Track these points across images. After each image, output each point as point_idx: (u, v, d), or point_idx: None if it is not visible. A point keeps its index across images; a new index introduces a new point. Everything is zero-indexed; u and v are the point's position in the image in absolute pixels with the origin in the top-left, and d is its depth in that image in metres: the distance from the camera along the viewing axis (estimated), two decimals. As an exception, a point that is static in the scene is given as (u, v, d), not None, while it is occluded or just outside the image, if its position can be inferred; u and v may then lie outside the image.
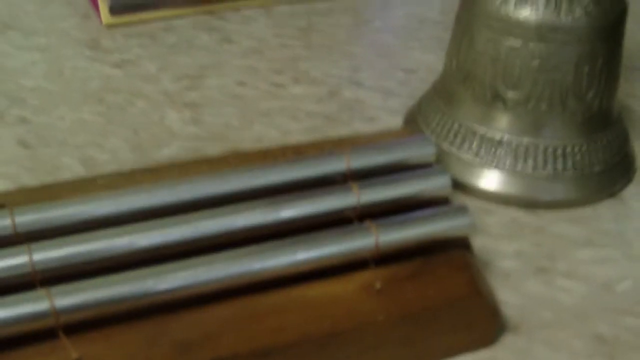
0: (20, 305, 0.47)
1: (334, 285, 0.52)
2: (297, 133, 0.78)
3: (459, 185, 0.67)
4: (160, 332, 0.48)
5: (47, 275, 0.49)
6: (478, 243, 0.60)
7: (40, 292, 0.47)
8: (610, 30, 0.65)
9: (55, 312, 0.47)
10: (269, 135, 0.77)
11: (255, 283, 0.51)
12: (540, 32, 0.64)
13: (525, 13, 0.64)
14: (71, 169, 0.72)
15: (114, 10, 0.98)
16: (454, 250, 0.55)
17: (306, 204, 0.54)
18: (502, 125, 0.68)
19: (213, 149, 0.75)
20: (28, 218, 0.52)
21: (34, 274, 0.49)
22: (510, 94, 0.66)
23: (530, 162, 0.67)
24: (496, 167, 0.68)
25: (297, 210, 0.54)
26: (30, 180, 0.70)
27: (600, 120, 0.68)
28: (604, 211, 0.68)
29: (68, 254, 0.50)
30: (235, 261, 0.50)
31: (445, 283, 0.53)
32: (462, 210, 0.55)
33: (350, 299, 0.51)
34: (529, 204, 0.67)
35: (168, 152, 0.75)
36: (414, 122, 0.75)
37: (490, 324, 0.54)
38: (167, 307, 0.49)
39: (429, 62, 0.92)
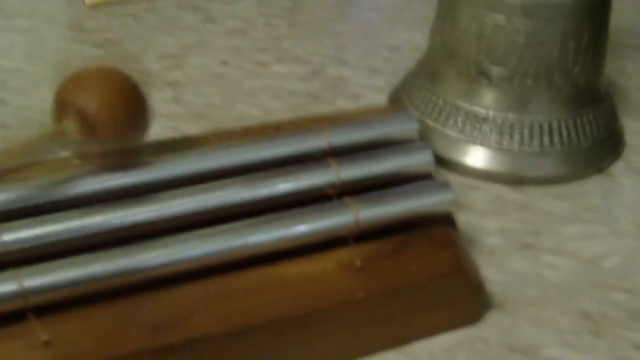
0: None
1: (313, 263, 0.51)
2: (280, 112, 0.76)
3: (444, 162, 0.66)
4: (133, 313, 0.47)
5: (16, 255, 0.48)
6: (463, 220, 0.59)
7: (9, 272, 0.46)
8: (596, 7, 0.64)
9: (24, 293, 0.45)
10: (251, 114, 0.76)
11: (232, 262, 0.49)
12: (526, 7, 0.63)
13: (510, -12, 0.63)
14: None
15: (96, -10, 0.96)
16: (437, 226, 0.54)
17: (284, 181, 0.53)
18: (487, 101, 0.66)
19: (193, 128, 0.74)
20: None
21: (4, 255, 0.48)
22: (495, 70, 0.65)
23: (516, 138, 0.66)
24: (481, 143, 0.67)
25: (275, 187, 0.53)
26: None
27: (587, 96, 0.67)
28: (591, 187, 0.67)
29: (38, 233, 0.49)
30: (210, 239, 0.49)
31: (427, 260, 0.52)
32: (444, 185, 0.54)
33: (329, 277, 0.50)
34: (515, 181, 0.66)
35: (149, 131, 0.73)
36: (398, 100, 0.74)
37: (473, 301, 0.53)
38: (140, 287, 0.48)
39: (414, 40, 0.91)
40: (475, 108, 0.67)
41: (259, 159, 0.55)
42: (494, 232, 0.62)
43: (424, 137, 0.65)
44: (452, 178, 0.66)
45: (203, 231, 0.49)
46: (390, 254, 0.52)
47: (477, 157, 0.67)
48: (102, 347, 0.46)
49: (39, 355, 0.45)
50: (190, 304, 0.48)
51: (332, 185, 0.54)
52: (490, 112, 0.66)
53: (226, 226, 0.50)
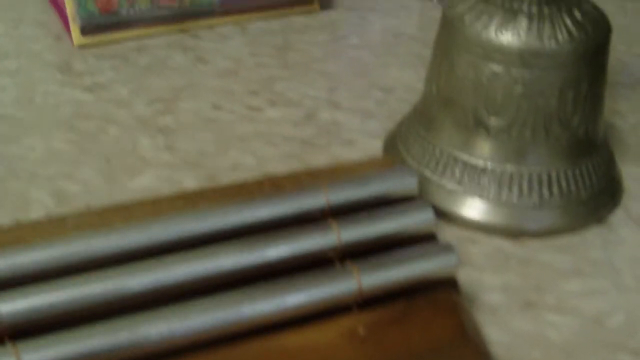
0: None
1: (315, 332, 0.50)
2: (274, 160, 0.76)
3: (441, 214, 0.65)
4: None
5: (15, 328, 0.47)
6: (462, 275, 0.58)
7: (7, 348, 0.45)
8: (594, 55, 0.63)
9: (23, 369, 0.44)
10: (245, 162, 0.75)
11: (232, 332, 0.48)
12: (523, 57, 0.62)
13: (507, 38, 0.62)
14: (41, 202, 0.70)
15: (85, 30, 0.96)
16: (439, 289, 0.54)
17: (285, 245, 0.52)
18: (485, 152, 0.66)
19: (188, 178, 0.73)
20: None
21: (2, 328, 0.47)
22: (493, 121, 0.64)
23: (515, 190, 0.65)
24: (480, 195, 0.66)
25: (276, 251, 0.52)
26: (-1, 215, 0.67)
27: (586, 145, 0.67)
28: (591, 238, 0.66)
29: (37, 304, 0.48)
30: (209, 310, 0.49)
31: (431, 327, 0.51)
32: (448, 248, 0.54)
33: (332, 347, 0.50)
34: (515, 233, 0.66)
35: (142, 181, 0.73)
36: (394, 148, 0.73)
37: (479, 367, 0.52)
38: (140, 358, 0.47)
39: (406, 79, 0.90)
40: (473, 159, 0.66)
41: (256, 219, 0.54)
42: (494, 288, 0.61)
43: (423, 190, 0.64)
44: (450, 230, 0.65)
45: (200, 301, 0.49)
46: (394, 321, 0.51)
47: (475, 209, 0.66)
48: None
49: None
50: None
51: (333, 248, 0.53)
52: (489, 164, 0.65)
53: (223, 296, 0.49)
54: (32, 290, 0.49)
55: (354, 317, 0.51)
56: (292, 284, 0.50)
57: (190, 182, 0.72)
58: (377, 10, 1.08)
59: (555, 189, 0.66)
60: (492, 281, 0.62)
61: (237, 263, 0.51)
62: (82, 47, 0.96)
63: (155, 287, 0.50)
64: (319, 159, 0.75)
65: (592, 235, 0.67)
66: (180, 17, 1.00)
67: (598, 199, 0.68)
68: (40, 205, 0.69)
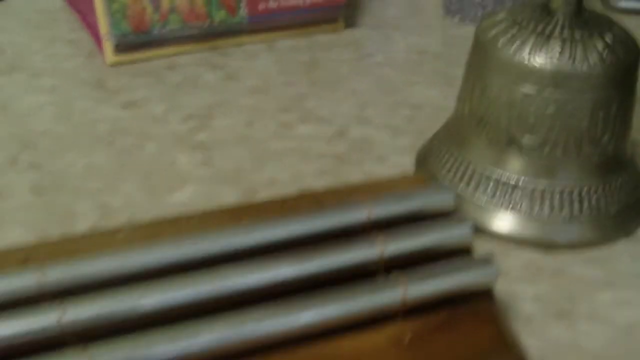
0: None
1: (364, 339, 0.52)
2: (309, 175, 0.78)
3: (474, 228, 0.67)
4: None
5: (77, 332, 0.50)
6: (497, 286, 0.60)
7: (77, 350, 0.48)
8: (624, 77, 0.66)
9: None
10: (281, 177, 0.78)
11: (284, 340, 0.51)
12: (556, 79, 0.64)
13: (540, 61, 0.65)
14: (87, 215, 0.72)
15: (118, 48, 0.98)
16: (478, 300, 0.56)
17: (332, 257, 0.54)
18: (517, 169, 0.68)
19: (226, 193, 0.75)
20: (56, 274, 0.52)
21: (65, 332, 0.49)
22: (526, 139, 0.67)
23: (546, 205, 0.68)
24: (512, 210, 0.68)
25: (324, 263, 0.54)
26: (46, 227, 0.70)
27: (615, 163, 0.69)
28: (620, 251, 0.69)
29: (99, 311, 0.50)
30: (265, 317, 0.51)
31: (473, 336, 0.53)
32: (487, 261, 0.56)
33: (380, 352, 0.52)
34: (546, 246, 0.68)
35: (182, 196, 0.75)
36: (425, 165, 0.76)
37: (518, 376, 0.55)
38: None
39: (433, 97, 0.93)
40: (506, 175, 0.68)
41: (302, 233, 0.57)
42: (528, 298, 0.63)
43: (457, 205, 0.66)
44: (482, 244, 0.68)
45: (256, 310, 0.51)
46: (437, 330, 0.53)
47: (507, 223, 0.68)
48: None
49: None
50: (250, 381, 0.49)
51: (377, 261, 0.55)
52: (521, 180, 0.68)
53: (277, 305, 0.51)
54: (93, 298, 0.51)
55: (400, 325, 0.53)
56: (340, 294, 0.53)
57: (229, 196, 0.75)
58: (400, 29, 1.11)
59: (585, 204, 0.68)
60: (525, 292, 0.64)
61: (287, 274, 0.53)
62: (115, 65, 0.99)
63: (211, 297, 0.52)
64: (353, 175, 0.78)
65: (621, 249, 0.69)
66: (210, 36, 1.03)
67: (626, 213, 0.70)
68: (85, 218, 0.72)
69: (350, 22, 1.12)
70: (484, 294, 0.57)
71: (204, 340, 0.49)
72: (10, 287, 0.52)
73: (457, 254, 0.58)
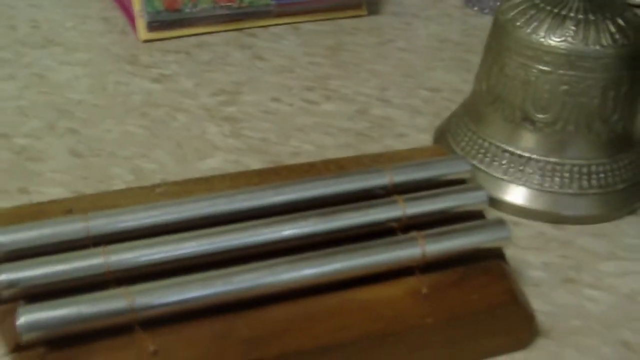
0: (103, 302, 0.51)
1: (385, 290, 0.56)
2: (332, 148, 0.82)
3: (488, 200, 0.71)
4: (229, 329, 0.53)
5: (120, 275, 0.54)
6: (508, 254, 0.64)
7: (120, 290, 0.52)
8: (635, 58, 0.70)
9: (134, 309, 0.51)
10: (305, 149, 0.82)
11: (313, 286, 0.55)
12: (569, 59, 0.68)
13: (555, 41, 0.69)
14: (122, 177, 0.76)
15: (150, 26, 1.02)
16: (491, 259, 0.60)
17: (357, 215, 0.59)
18: (530, 145, 0.72)
19: (253, 162, 0.79)
20: (100, 222, 0.56)
21: (109, 274, 0.53)
22: (539, 116, 0.71)
23: (556, 180, 0.72)
24: (524, 184, 0.72)
25: (349, 220, 0.58)
26: (84, 188, 0.74)
27: (623, 141, 0.73)
28: (625, 226, 0.73)
29: (140, 256, 0.54)
30: (295, 266, 0.55)
31: (486, 290, 0.57)
32: (500, 223, 0.60)
33: (400, 302, 0.56)
34: (555, 219, 0.72)
35: (211, 163, 0.79)
36: (443, 140, 0.80)
37: (526, 329, 0.59)
38: (234, 306, 0.54)
39: (451, 81, 0.97)
40: (519, 150, 0.72)
41: (328, 193, 0.61)
42: (537, 266, 0.67)
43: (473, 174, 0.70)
44: (495, 215, 0.71)
45: (287, 258, 0.55)
46: (453, 284, 0.57)
47: (519, 196, 0.72)
48: (203, 358, 0.51)
49: (147, 364, 0.50)
50: (279, 323, 0.53)
51: (398, 220, 0.59)
52: (533, 155, 0.72)
53: (310, 254, 0.55)
54: (135, 245, 0.55)
55: (418, 279, 0.58)
56: (363, 248, 0.57)
57: (255, 165, 0.79)
58: (421, 17, 1.15)
59: (594, 180, 0.72)
60: (534, 260, 0.68)
61: (317, 229, 0.57)
62: (147, 41, 1.03)
63: (245, 246, 0.56)
64: (374, 149, 0.81)
65: (626, 224, 0.73)
66: (238, 17, 1.06)
67: (632, 191, 0.74)
68: (121, 181, 0.76)
69: (373, 9, 1.16)
70: (497, 254, 0.61)
71: (236, 286, 0.53)
72: (58, 232, 0.56)
73: (472, 217, 0.62)
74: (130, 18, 1.05)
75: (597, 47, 0.68)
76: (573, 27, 0.69)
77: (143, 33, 1.03)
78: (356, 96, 0.92)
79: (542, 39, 0.69)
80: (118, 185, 0.75)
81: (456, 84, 0.96)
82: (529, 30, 0.70)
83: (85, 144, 0.81)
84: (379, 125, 0.87)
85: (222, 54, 1.01)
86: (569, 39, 0.69)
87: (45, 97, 0.89)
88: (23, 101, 0.88)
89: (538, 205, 0.72)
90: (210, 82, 0.94)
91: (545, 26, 0.69)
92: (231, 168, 0.78)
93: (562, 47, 0.69)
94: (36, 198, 0.72)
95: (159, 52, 1.01)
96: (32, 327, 0.50)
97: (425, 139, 0.84)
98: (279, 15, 1.09)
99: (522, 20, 0.71)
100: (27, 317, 0.50)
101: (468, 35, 1.10)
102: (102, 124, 0.85)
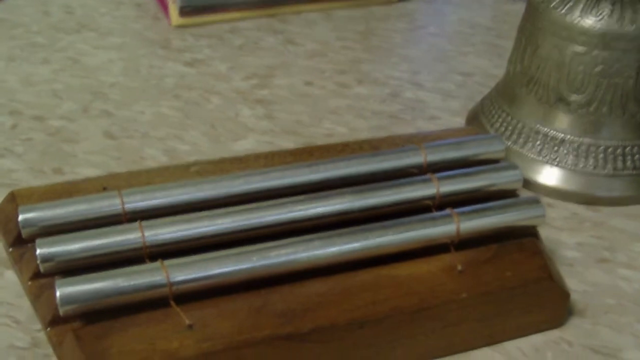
0: (139, 276, 0.51)
1: (419, 265, 0.57)
2: (364, 130, 0.82)
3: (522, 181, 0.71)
4: (263, 303, 0.53)
5: (155, 250, 0.54)
6: (542, 234, 0.64)
7: (156, 265, 0.52)
8: (671, 38, 0.69)
9: (170, 283, 0.51)
10: (338, 131, 0.82)
11: (350, 262, 0.55)
12: (604, 40, 0.68)
13: (590, 21, 0.68)
14: (155, 158, 0.77)
15: (183, 11, 1.03)
16: (526, 237, 0.60)
17: (391, 193, 0.59)
18: (564, 125, 0.72)
19: (287, 143, 0.79)
20: (135, 198, 0.56)
21: (144, 249, 0.54)
22: (574, 97, 0.71)
23: (590, 161, 0.71)
24: (558, 165, 0.72)
25: (383, 197, 0.58)
26: (117, 168, 0.75)
27: (658, 123, 0.73)
28: (659, 208, 0.72)
29: (176, 231, 0.55)
30: (330, 241, 0.55)
31: (520, 267, 0.57)
32: (535, 201, 0.60)
33: (434, 278, 0.56)
34: (589, 200, 0.72)
35: (245, 144, 0.79)
36: (476, 122, 0.80)
37: (560, 306, 0.59)
38: (269, 281, 0.54)
39: (483, 66, 0.96)
40: (553, 132, 0.72)
41: (364, 171, 0.61)
42: (571, 246, 0.67)
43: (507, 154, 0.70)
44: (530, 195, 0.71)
45: (323, 234, 0.55)
46: (488, 261, 0.57)
47: (553, 177, 0.72)
48: (238, 331, 0.51)
49: (183, 337, 0.51)
50: (314, 297, 0.54)
51: (432, 198, 0.59)
52: (567, 136, 0.72)
53: (345, 230, 0.56)
54: (170, 220, 0.55)
55: (452, 255, 0.58)
56: (401, 224, 0.57)
57: (289, 146, 0.79)
58: (452, 3, 1.15)
59: (628, 162, 0.72)
60: (568, 240, 0.68)
61: (353, 206, 0.58)
62: (179, 27, 1.03)
63: (278, 223, 0.56)
64: (406, 131, 0.82)
65: (660, 206, 0.73)
66: (270, 2, 1.07)
67: (667, 173, 0.74)
68: (154, 161, 0.76)
69: (404, -5, 1.16)
70: (531, 232, 0.61)
71: (271, 261, 0.54)
72: (93, 208, 0.56)
73: (506, 197, 0.62)
74: (163, 4, 1.06)
75: (633, 27, 0.68)
76: (608, 8, 0.68)
77: (175, 18, 1.04)
78: (388, 80, 0.93)
79: (577, 20, 0.69)
80: (151, 166, 0.76)
81: (488, 69, 0.96)
82: (563, 11, 0.70)
83: (119, 126, 0.82)
84: (411, 108, 0.87)
85: (255, 39, 1.01)
86: (604, 19, 0.68)
87: (79, 80, 0.90)
88: (57, 84, 0.89)
89: (572, 186, 0.72)
90: (243, 66, 0.94)
91: (580, 6, 0.69)
92: (264, 149, 0.78)
93: (597, 27, 0.69)
94: (71, 178, 0.72)
95: (191, 36, 1.01)
96: (69, 299, 0.50)
97: (458, 122, 0.84)
98: (311, 1, 1.09)
99: (557, 0, 0.71)
100: (65, 289, 0.50)
101: (499, 21, 1.10)
102: (135, 106, 0.85)
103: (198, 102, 0.86)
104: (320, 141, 0.80)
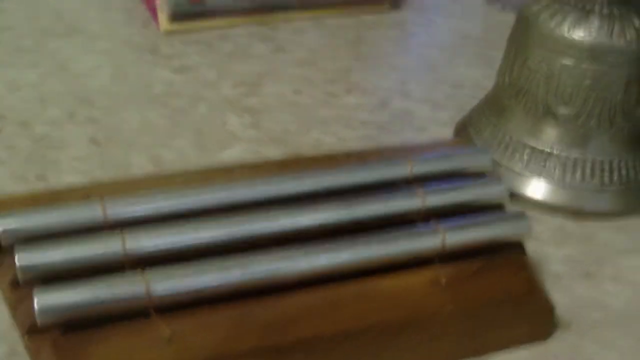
0: (119, 286, 0.51)
1: (404, 278, 0.56)
2: (352, 140, 0.82)
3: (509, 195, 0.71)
4: (246, 315, 0.52)
5: (136, 260, 0.53)
6: (529, 247, 0.63)
7: (136, 275, 0.51)
8: (660, 53, 0.69)
9: (149, 294, 0.51)
10: (326, 141, 0.82)
11: (335, 274, 0.55)
12: (593, 53, 0.68)
13: (579, 35, 0.68)
14: (141, 166, 0.76)
15: (172, 17, 1.02)
16: (512, 251, 0.59)
17: (376, 205, 0.58)
18: (551, 138, 0.72)
19: (274, 152, 0.79)
20: (118, 207, 0.56)
21: (126, 259, 0.53)
22: (562, 110, 0.70)
23: (578, 174, 0.71)
24: (545, 178, 0.72)
25: (368, 210, 0.58)
26: (103, 176, 0.74)
27: (645, 137, 0.72)
28: (646, 222, 0.72)
29: (158, 240, 0.54)
30: (314, 254, 0.54)
31: (506, 281, 0.57)
32: (521, 215, 0.60)
33: (419, 291, 0.56)
34: (576, 213, 0.71)
35: (231, 153, 0.79)
36: (464, 133, 0.79)
37: (546, 320, 0.59)
38: (251, 292, 0.53)
39: (474, 77, 0.96)
40: (541, 144, 0.72)
41: (348, 183, 0.60)
42: (557, 260, 0.67)
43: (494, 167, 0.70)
44: (516, 209, 0.71)
45: (307, 246, 0.55)
46: (473, 275, 0.57)
47: (540, 190, 0.72)
48: (220, 344, 0.51)
49: (162, 349, 0.50)
50: (297, 309, 0.53)
51: (417, 211, 0.59)
52: (555, 149, 0.71)
53: (324, 244, 0.55)
54: (152, 229, 0.55)
55: (438, 268, 0.57)
56: (382, 237, 0.56)
57: (276, 156, 0.79)
58: (444, 13, 1.15)
59: (615, 175, 0.71)
60: (555, 254, 0.68)
61: (334, 218, 0.57)
62: (169, 33, 1.02)
63: (262, 234, 0.56)
64: (394, 142, 0.81)
65: (647, 219, 0.73)
66: (260, 10, 1.06)
67: (654, 187, 0.73)
68: (139, 169, 0.76)
69: (395, 4, 1.15)
70: (517, 245, 0.60)
71: (253, 273, 0.53)
72: (74, 216, 0.55)
73: (493, 211, 0.61)
74: (152, 10, 1.05)
75: (622, 41, 0.68)
76: (597, 21, 0.68)
77: (165, 24, 1.03)
78: (377, 90, 0.92)
79: (566, 33, 0.69)
80: (137, 174, 0.75)
81: (478, 80, 0.95)
82: (552, 24, 0.70)
83: (105, 133, 0.81)
84: (399, 119, 0.87)
85: (244, 46, 1.01)
86: (593, 32, 0.68)
87: (66, 86, 0.89)
88: (44, 89, 0.88)
89: (559, 199, 0.72)
90: (231, 74, 0.94)
91: (569, 20, 0.69)
92: (251, 158, 0.78)
93: (586, 41, 0.68)
94: (54, 185, 0.71)
95: (180, 43, 1.01)
96: (48, 309, 0.49)
97: (446, 133, 0.84)
98: (301, 8, 1.09)
99: (546, 13, 0.71)
100: (44, 298, 0.49)
101: (491, 31, 1.10)
102: (122, 112, 0.85)
103: (185, 109, 0.86)
104: (308, 151, 0.80)
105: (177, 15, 1.03)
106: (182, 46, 1.00)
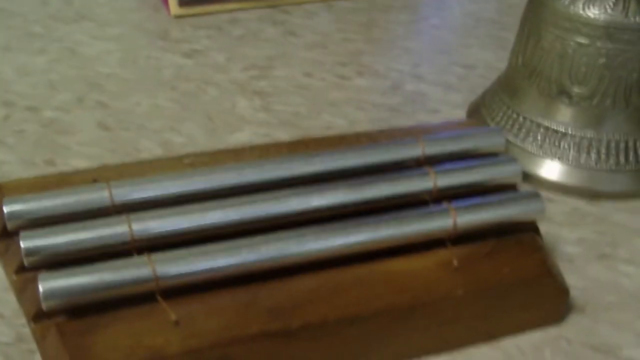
0: (125, 270, 0.50)
1: (414, 261, 0.55)
2: (363, 123, 0.81)
3: (523, 175, 0.70)
4: (252, 299, 0.52)
5: (143, 243, 0.52)
6: (542, 229, 0.62)
7: (143, 259, 0.51)
8: (676, 29, 0.68)
9: (156, 278, 0.50)
10: (337, 123, 0.81)
11: (341, 256, 0.54)
12: (608, 31, 0.67)
13: (594, 13, 0.67)
14: (150, 151, 0.75)
15: (182, 1, 1.01)
16: (525, 233, 0.58)
17: (387, 186, 0.57)
18: (566, 119, 0.71)
19: (284, 135, 0.78)
20: (124, 191, 0.55)
21: (132, 242, 0.52)
22: (576, 89, 0.69)
23: (592, 154, 0.70)
24: (559, 159, 0.71)
25: (379, 191, 0.57)
26: (111, 161, 0.73)
27: (662, 116, 0.71)
28: (662, 203, 0.71)
29: (165, 224, 0.53)
30: (323, 236, 0.53)
31: (519, 263, 0.56)
32: (535, 195, 0.58)
33: (429, 274, 0.55)
34: (590, 195, 0.70)
35: (241, 136, 0.78)
36: (477, 115, 0.78)
37: (559, 302, 0.58)
38: (258, 276, 0.52)
39: (487, 59, 0.95)
40: (555, 125, 0.71)
41: (360, 164, 0.59)
42: (572, 241, 0.66)
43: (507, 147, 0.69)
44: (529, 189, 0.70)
45: (316, 228, 0.54)
46: (485, 256, 0.56)
47: (554, 171, 0.71)
48: (226, 328, 0.50)
49: (169, 333, 0.49)
50: (304, 293, 0.52)
51: (429, 191, 0.58)
52: (569, 130, 0.70)
53: (339, 224, 0.54)
54: (159, 213, 0.54)
55: (448, 250, 0.56)
56: (396, 218, 0.55)
57: (286, 139, 0.77)
58: (456, -4, 1.14)
59: (631, 156, 0.70)
60: (569, 235, 0.67)
61: (348, 199, 0.56)
62: (179, 17, 1.02)
63: (272, 216, 0.55)
64: (407, 124, 0.80)
65: (663, 201, 0.72)
66: (271, -7, 1.05)
67: (670, 167, 0.72)
68: (149, 154, 0.75)
69: (407, -14, 1.14)
70: (530, 226, 0.59)
71: (261, 255, 0.52)
72: (80, 200, 0.54)
73: (505, 190, 0.60)
74: (162, -6, 1.04)
75: (638, 19, 0.66)
76: (612, -2, 0.67)
77: (175, 8, 1.02)
78: (389, 72, 0.91)
79: (581, 11, 0.68)
80: (146, 158, 0.74)
81: (491, 61, 0.94)
82: (566, 2, 0.68)
83: (114, 117, 0.80)
84: (411, 101, 0.86)
85: (255, 30, 1.00)
86: (608, 10, 0.67)
87: (76, 71, 0.88)
88: (53, 75, 0.87)
89: (573, 180, 0.71)
90: (241, 57, 0.93)
91: (583, -3, 0.68)
92: (261, 141, 0.77)
93: (601, 18, 0.67)
94: (62, 170, 0.71)
95: (190, 27, 1.00)
96: (53, 294, 0.49)
97: (458, 115, 0.83)
98: (312, -9, 1.08)
99: (560, -9, 0.69)
100: (49, 283, 0.49)
101: (503, 13, 1.09)
102: (131, 97, 0.84)
103: (195, 93, 0.85)
104: (319, 134, 0.79)
105: (187, 0, 1.02)
106: (192, 30, 0.99)
